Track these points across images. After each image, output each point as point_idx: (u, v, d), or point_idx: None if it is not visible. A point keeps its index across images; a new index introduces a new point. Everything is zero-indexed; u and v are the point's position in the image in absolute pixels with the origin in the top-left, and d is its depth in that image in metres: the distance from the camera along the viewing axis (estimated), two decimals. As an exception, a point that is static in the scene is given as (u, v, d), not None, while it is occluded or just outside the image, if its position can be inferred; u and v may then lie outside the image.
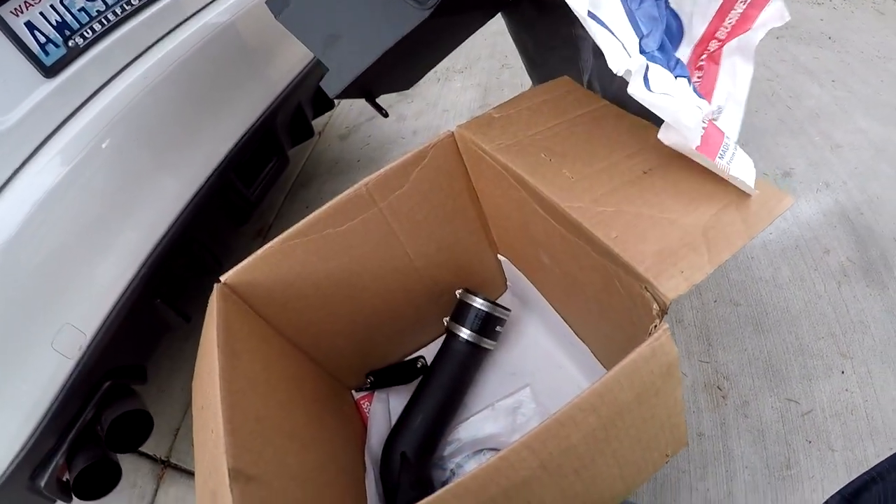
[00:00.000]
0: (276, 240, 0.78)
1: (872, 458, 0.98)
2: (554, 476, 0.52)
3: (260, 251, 0.78)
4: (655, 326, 0.53)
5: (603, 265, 0.62)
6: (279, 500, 0.60)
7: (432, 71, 1.07)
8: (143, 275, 1.07)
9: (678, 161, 0.64)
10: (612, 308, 0.66)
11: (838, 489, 0.58)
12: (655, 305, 0.54)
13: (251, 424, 0.62)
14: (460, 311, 0.93)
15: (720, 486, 1.00)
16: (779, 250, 1.34)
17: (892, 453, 0.60)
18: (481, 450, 0.91)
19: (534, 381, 0.96)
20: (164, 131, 1.17)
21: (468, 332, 0.90)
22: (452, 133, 0.84)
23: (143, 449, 1.33)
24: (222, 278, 0.76)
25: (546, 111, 0.82)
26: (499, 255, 1.00)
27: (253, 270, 0.77)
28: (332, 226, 0.80)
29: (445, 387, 0.91)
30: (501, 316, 0.92)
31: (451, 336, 0.93)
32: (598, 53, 0.96)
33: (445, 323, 0.94)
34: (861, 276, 1.24)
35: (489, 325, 0.91)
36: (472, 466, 0.87)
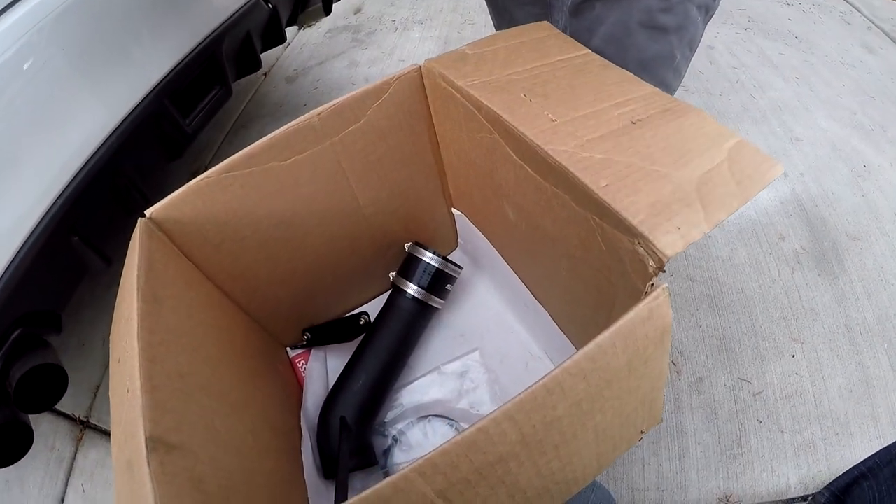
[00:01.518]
0: (211, 170, 0.68)
1: (819, 441, 1.01)
2: (533, 452, 0.45)
3: (193, 182, 0.67)
4: (652, 285, 0.47)
5: (584, 217, 0.55)
6: (206, 471, 0.51)
7: (390, 19, 0.99)
8: (58, 208, 0.94)
9: (668, 115, 0.58)
10: (587, 266, 0.59)
11: (826, 484, 0.53)
12: (651, 262, 0.47)
13: (174, 382, 0.53)
14: (408, 266, 0.85)
15: (672, 462, 1.00)
16: (736, 231, 1.34)
17: (882, 448, 0.57)
18: (426, 416, 0.84)
19: (483, 345, 0.90)
20: (92, 46, 1.02)
21: (416, 288, 0.83)
22: (419, 67, 0.74)
23: (61, 408, 1.21)
24: (147, 212, 0.65)
25: (525, 52, 0.74)
26: (453, 209, 0.93)
27: (183, 205, 0.67)
28: (276, 158, 0.70)
29: (389, 347, 0.83)
30: (452, 273, 0.85)
31: (397, 292, 0.85)
32: (574, 12, 0.91)
33: (391, 278, 0.86)
34: (814, 265, 1.27)
35: (439, 283, 0.84)
36: (415, 433, 0.82)
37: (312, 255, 0.82)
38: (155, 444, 0.45)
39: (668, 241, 0.46)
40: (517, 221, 0.71)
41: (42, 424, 1.10)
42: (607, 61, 0.71)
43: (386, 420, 0.85)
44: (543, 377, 0.41)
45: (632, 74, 0.66)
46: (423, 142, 0.80)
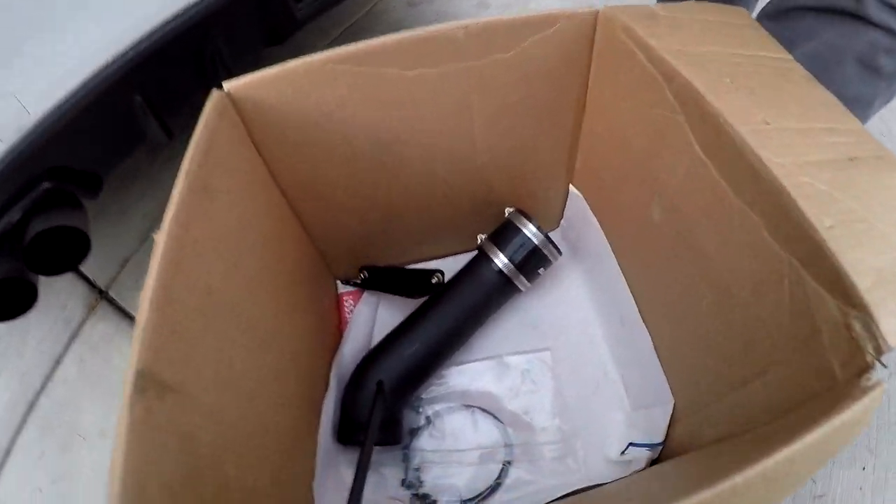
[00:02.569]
0: (317, 55, 0.57)
1: None
2: None
3: (290, 63, 0.57)
4: (868, 379, 0.36)
5: (777, 257, 0.44)
6: (202, 425, 0.42)
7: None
8: (128, 59, 0.82)
9: (882, 164, 0.47)
10: (748, 314, 0.49)
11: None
12: (870, 347, 0.36)
13: (197, 298, 0.44)
14: (504, 234, 0.75)
15: None
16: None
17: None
18: (469, 406, 0.76)
19: (555, 347, 0.80)
20: None
21: (505, 261, 0.73)
22: (596, 11, 0.63)
23: (84, 270, 1.13)
24: (226, 85, 0.55)
25: (723, 33, 0.62)
26: (571, 186, 0.82)
27: (271, 87, 0.57)
28: (399, 64, 0.60)
29: (455, 317, 0.74)
30: (550, 256, 0.75)
31: (483, 259, 0.75)
32: (775, 15, 0.81)
33: (480, 241, 0.77)
34: None
35: (532, 262, 0.74)
36: (452, 421, 0.75)
37: (402, 190, 0.72)
38: (146, 382, 0.36)
39: (891, 328, 0.35)
40: (662, 225, 0.60)
41: (59, 282, 1.03)
42: (812, 76, 0.59)
43: (423, 395, 0.76)
44: (736, 475, 0.31)
45: (837, 100, 0.54)
46: (568, 99, 0.70)
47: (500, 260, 0.73)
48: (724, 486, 0.31)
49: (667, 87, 0.54)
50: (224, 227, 0.50)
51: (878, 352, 0.36)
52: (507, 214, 0.76)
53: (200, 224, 0.45)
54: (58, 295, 1.13)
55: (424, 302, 0.75)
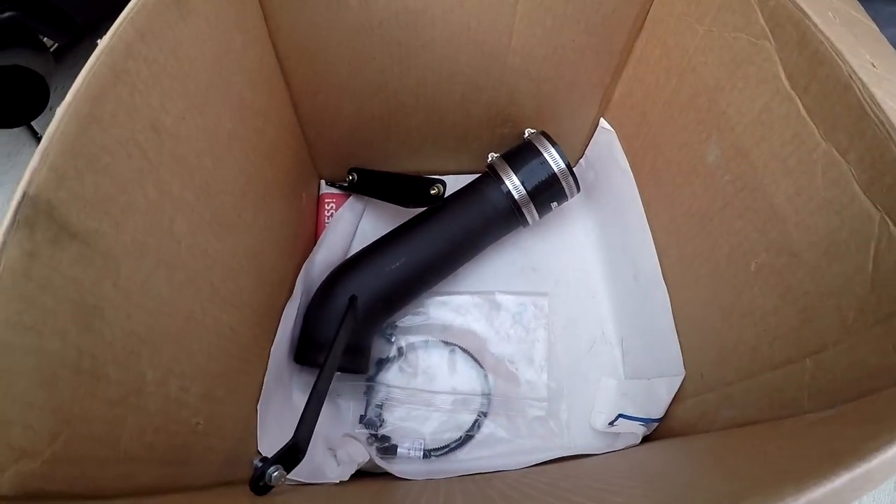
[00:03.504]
0: None
1: None
2: None
3: None
4: None
5: (865, 213, 0.38)
6: (115, 299, 0.33)
7: None
8: None
9: None
10: (812, 279, 0.43)
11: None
12: None
13: (137, 128, 0.35)
14: (521, 155, 0.68)
15: None
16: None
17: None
18: (448, 343, 0.69)
19: (554, 295, 0.74)
20: None
21: (518, 183, 0.66)
22: None
23: (35, 126, 1.03)
24: None
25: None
26: (602, 119, 0.74)
27: None
28: None
29: (449, 238, 0.67)
30: (567, 190, 0.68)
31: (492, 178, 0.68)
32: None
33: (490, 159, 0.70)
34: None
35: (547, 192, 0.68)
36: (427, 356, 0.69)
37: (414, 80, 0.65)
38: (37, 214, 0.27)
39: None
40: (717, 169, 0.53)
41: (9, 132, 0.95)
42: None
43: (398, 324, 0.70)
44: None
45: None
46: (625, 14, 0.62)
47: (512, 182, 0.66)
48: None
49: (758, 7, 0.47)
50: (194, 62, 0.42)
51: None
52: (527, 135, 0.69)
53: (162, 42, 0.37)
54: (4, 143, 1.06)
55: (416, 215, 0.69)
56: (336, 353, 0.55)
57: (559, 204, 0.70)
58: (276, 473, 0.44)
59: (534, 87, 0.68)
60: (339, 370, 0.59)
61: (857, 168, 0.39)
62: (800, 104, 0.43)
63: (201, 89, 0.43)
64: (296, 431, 0.48)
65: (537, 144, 0.67)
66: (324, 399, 0.52)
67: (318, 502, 0.52)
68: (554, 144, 0.67)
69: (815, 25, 0.42)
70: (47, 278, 0.27)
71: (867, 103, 0.37)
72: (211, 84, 0.44)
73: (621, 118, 0.72)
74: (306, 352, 0.62)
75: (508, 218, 0.68)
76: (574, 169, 0.80)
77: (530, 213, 0.68)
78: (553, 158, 0.66)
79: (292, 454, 0.46)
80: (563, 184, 0.67)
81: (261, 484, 0.44)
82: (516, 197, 0.66)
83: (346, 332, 0.58)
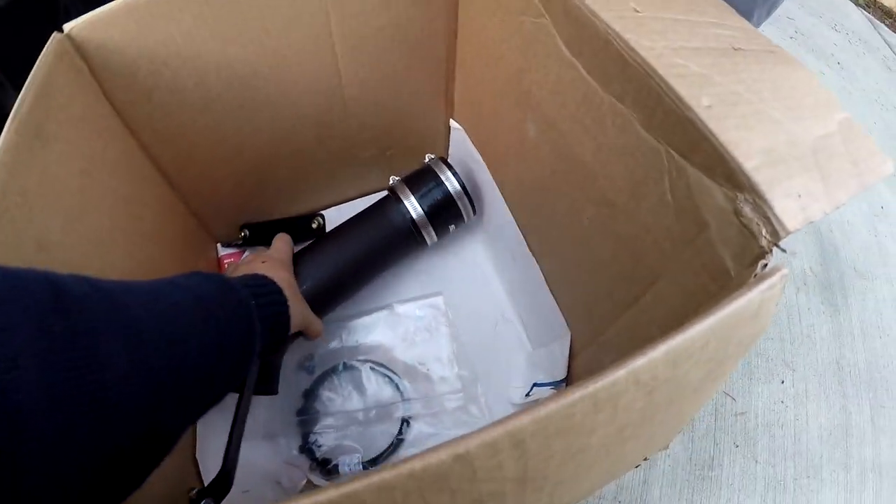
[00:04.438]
0: (159, -12, 0.48)
1: (790, 480, 0.90)
2: (526, 491, 0.27)
3: (132, -3, 0.47)
4: (765, 266, 0.30)
5: (654, 149, 0.37)
6: None
7: None
8: None
9: (772, 58, 0.41)
10: (629, 219, 0.42)
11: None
12: (765, 231, 0.30)
13: (24, 251, 0.37)
14: (421, 180, 0.66)
15: (636, 473, 0.86)
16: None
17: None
18: (362, 361, 0.67)
19: (449, 292, 0.73)
20: None
21: (419, 209, 0.65)
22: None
23: None
24: (66, 27, 0.46)
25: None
26: (451, 121, 0.73)
27: (113, 25, 0.47)
28: (248, -9, 0.51)
29: (353, 259, 0.65)
30: (464, 213, 0.67)
31: (393, 201, 0.66)
32: None
33: (391, 182, 0.68)
34: (818, 291, 1.14)
35: (445, 215, 0.66)
36: (344, 378, 0.67)
37: (268, 133, 0.63)
38: None
39: (786, 208, 0.29)
40: (538, 143, 0.53)
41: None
42: None
43: (315, 354, 0.68)
44: (594, 380, 0.23)
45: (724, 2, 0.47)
46: (438, 26, 0.61)
47: (413, 207, 0.64)
48: (576, 395, 0.23)
49: (530, -12, 0.46)
50: (62, 179, 0.42)
51: (775, 236, 0.29)
52: (427, 161, 0.68)
53: (30, 172, 0.38)
54: None
55: (311, 245, 0.66)
56: (251, 378, 0.52)
57: (457, 227, 0.68)
58: None
59: (377, 111, 0.67)
60: (261, 394, 0.58)
61: (634, 111, 0.38)
62: (580, 68, 0.43)
63: (75, 199, 0.43)
64: (223, 462, 0.46)
65: (438, 171, 0.65)
66: (243, 426, 0.50)
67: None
68: (452, 169, 0.65)
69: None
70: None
71: (624, 51, 0.37)
72: (82, 191, 0.44)
73: (464, 115, 0.71)
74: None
75: (410, 241, 0.67)
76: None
77: (430, 235, 0.66)
78: (452, 185, 0.65)
79: (222, 484, 0.44)
80: (459, 204, 0.65)
81: None
82: (418, 222, 0.65)
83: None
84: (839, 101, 0.38)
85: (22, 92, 0.39)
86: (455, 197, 0.64)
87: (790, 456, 0.91)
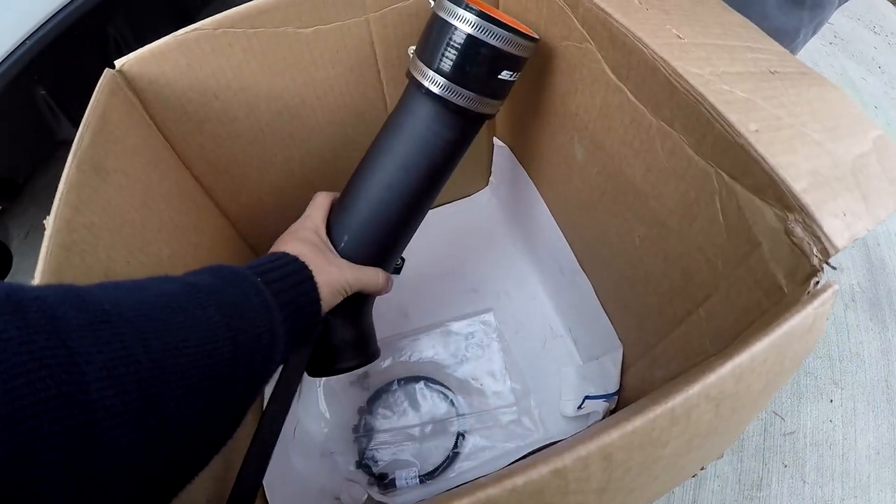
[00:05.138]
0: (205, 20, 0.50)
1: (838, 500, 0.88)
2: (603, 500, 0.29)
3: (180, 33, 0.49)
4: (817, 283, 0.31)
5: (704, 172, 0.39)
6: None
7: None
8: (26, 49, 0.73)
9: (806, 79, 0.42)
10: (680, 239, 0.44)
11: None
12: (815, 251, 0.31)
13: (95, 270, 0.38)
14: (429, 36, 0.48)
15: (686, 492, 0.86)
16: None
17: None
18: (417, 378, 0.69)
19: (498, 308, 0.74)
20: None
21: (433, 74, 0.47)
22: (497, -51, 0.57)
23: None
24: (118, 63, 0.48)
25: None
26: (494, 138, 0.75)
27: (164, 61, 0.50)
28: (293, 22, 0.53)
29: (391, 186, 0.50)
30: (517, 49, 0.47)
31: (413, 86, 0.50)
32: None
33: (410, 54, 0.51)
34: (867, 307, 1.12)
35: (485, 65, 0.46)
36: (400, 396, 0.69)
37: (317, 161, 0.65)
38: None
39: (834, 228, 0.30)
40: (586, 164, 0.54)
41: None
42: (727, 6, 0.51)
43: (370, 371, 0.70)
44: (670, 397, 0.25)
45: (755, 26, 0.48)
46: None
47: (428, 76, 0.47)
48: (658, 411, 0.25)
49: (573, 15, 0.48)
50: (123, 211, 0.43)
51: (825, 254, 0.31)
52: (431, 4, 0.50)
53: (94, 206, 0.39)
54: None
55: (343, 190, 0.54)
56: (284, 389, 0.44)
57: (512, 73, 0.48)
58: None
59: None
60: (354, 369, 0.51)
61: (684, 134, 0.40)
62: (627, 92, 0.44)
63: (136, 230, 0.44)
64: (238, 478, 0.41)
65: (439, 13, 0.47)
66: (271, 444, 0.43)
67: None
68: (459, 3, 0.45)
69: (617, 21, 0.43)
70: None
71: (672, 77, 0.38)
72: (143, 223, 0.46)
73: (508, 133, 0.72)
74: (314, 364, 0.50)
75: (447, 121, 0.49)
76: (487, 189, 0.81)
77: (489, 105, 0.49)
78: (462, 19, 0.45)
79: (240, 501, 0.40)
80: (493, 43, 0.45)
81: None
82: (437, 92, 0.47)
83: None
84: (871, 118, 0.39)
85: (80, 129, 0.41)
86: (472, 32, 0.44)
87: (838, 476, 0.90)
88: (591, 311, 0.62)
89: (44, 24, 0.74)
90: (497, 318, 0.72)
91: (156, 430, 0.23)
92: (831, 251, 0.30)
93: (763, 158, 0.33)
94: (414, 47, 0.50)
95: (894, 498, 0.90)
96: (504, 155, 0.73)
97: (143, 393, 0.23)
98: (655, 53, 0.39)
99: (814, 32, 0.77)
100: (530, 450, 0.61)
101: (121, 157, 0.44)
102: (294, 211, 0.69)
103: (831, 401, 0.97)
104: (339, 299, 0.45)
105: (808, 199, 0.31)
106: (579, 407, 0.62)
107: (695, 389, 0.25)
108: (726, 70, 0.39)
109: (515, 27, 0.46)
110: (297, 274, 0.41)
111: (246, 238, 0.70)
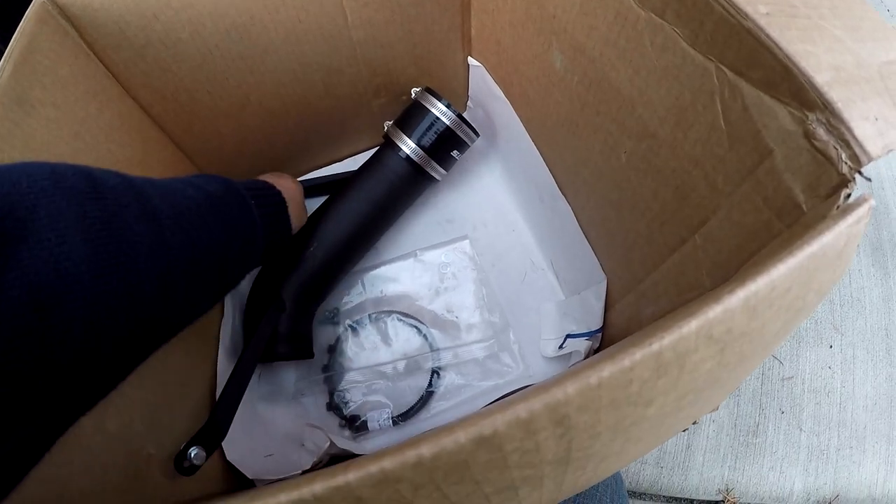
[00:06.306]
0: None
1: (833, 450, 0.86)
2: (567, 470, 0.23)
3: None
4: (848, 197, 0.25)
5: (702, 68, 0.32)
6: None
7: None
8: None
9: None
10: (673, 151, 0.37)
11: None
12: (844, 156, 0.24)
13: None
14: (410, 116, 0.61)
15: (680, 438, 0.84)
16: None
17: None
18: (388, 311, 0.64)
19: (475, 238, 0.68)
20: None
21: (413, 146, 0.60)
22: None
23: None
24: None
25: None
26: (469, 58, 0.68)
27: None
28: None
29: (361, 214, 0.61)
30: (465, 138, 0.62)
31: (389, 146, 0.62)
32: None
33: (386, 128, 0.64)
34: (869, 252, 1.06)
35: (446, 146, 0.61)
36: (370, 331, 0.63)
37: (272, 84, 0.58)
38: None
39: (867, 133, 0.24)
40: (566, 73, 0.47)
41: None
42: None
43: (340, 308, 0.64)
44: (657, 337, 0.19)
45: None
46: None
47: (408, 146, 0.60)
48: (637, 356, 0.19)
49: None
50: (51, 145, 0.39)
51: (856, 162, 0.24)
52: (413, 95, 0.63)
53: (13, 141, 0.35)
54: None
55: (325, 200, 0.63)
56: (258, 340, 0.53)
57: (461, 153, 0.64)
58: (195, 453, 0.44)
59: (388, 52, 0.61)
60: (284, 358, 0.57)
61: (677, 25, 0.33)
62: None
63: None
64: (211, 412, 0.47)
65: (424, 102, 0.61)
66: (245, 382, 0.51)
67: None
68: (440, 98, 0.60)
69: None
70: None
71: None
72: (75, 156, 0.41)
73: (483, 51, 0.65)
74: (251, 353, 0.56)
75: (415, 180, 0.62)
76: (465, 113, 0.74)
77: (434, 169, 0.62)
78: (441, 112, 0.60)
79: (212, 433, 0.46)
80: (459, 134, 0.61)
81: (185, 465, 0.43)
82: (416, 159, 0.60)
83: (272, 321, 0.54)
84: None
85: (1, 62, 0.36)
86: (449, 124, 0.60)
87: (835, 424, 0.87)
88: (574, 242, 0.56)
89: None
90: (474, 248, 0.66)
91: (173, 297, 0.31)
92: (863, 159, 0.23)
93: (776, 44, 0.26)
94: (390, 122, 0.63)
95: (889, 449, 0.87)
96: (479, 74, 0.66)
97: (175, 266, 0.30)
98: (646, -76, 0.32)
99: None
100: (510, 388, 0.57)
101: (50, 89, 0.40)
102: (252, 141, 0.63)
103: (830, 346, 0.93)
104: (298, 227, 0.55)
105: (834, 95, 0.24)
106: (560, 346, 0.57)
107: (691, 327, 0.18)
108: (733, -50, 0.32)
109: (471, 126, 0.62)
110: (278, 204, 0.50)
111: (202, 169, 0.64)
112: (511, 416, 0.17)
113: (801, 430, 0.85)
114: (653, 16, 0.34)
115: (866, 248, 1.05)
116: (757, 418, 0.85)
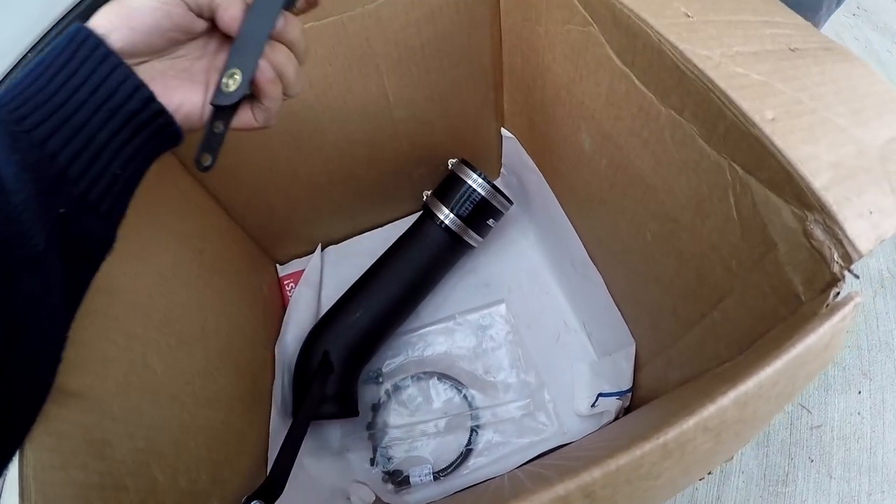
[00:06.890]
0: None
1: (864, 496, 0.84)
2: None
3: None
4: (837, 295, 0.27)
5: (716, 165, 0.34)
6: (116, 431, 0.37)
7: None
8: None
9: (830, 55, 0.37)
10: (693, 237, 0.39)
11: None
12: (836, 255, 0.27)
13: (96, 300, 0.36)
14: (448, 187, 0.65)
15: (710, 488, 0.83)
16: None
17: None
18: (428, 373, 0.66)
19: (510, 301, 0.71)
20: None
21: (452, 216, 0.64)
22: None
23: None
24: None
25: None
26: (503, 129, 0.71)
27: None
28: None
29: (401, 281, 0.65)
30: (500, 207, 0.65)
31: (428, 216, 0.66)
32: None
33: (424, 198, 0.68)
34: None
35: (481, 215, 0.65)
36: (412, 391, 0.66)
37: (320, 159, 0.63)
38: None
39: (858, 229, 0.27)
40: (594, 155, 0.50)
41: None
42: None
43: (383, 369, 0.67)
44: (662, 431, 0.22)
45: None
46: (481, 36, 0.59)
47: (446, 215, 0.64)
48: (646, 448, 0.22)
49: (575, -2, 0.44)
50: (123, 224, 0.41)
51: (847, 260, 0.27)
52: (450, 166, 0.66)
53: None
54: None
55: (370, 267, 0.66)
56: (311, 401, 0.55)
57: (496, 221, 0.67)
58: None
59: (427, 128, 0.65)
60: (332, 417, 0.60)
61: (695, 124, 0.36)
62: (634, 78, 0.40)
63: (135, 242, 0.43)
64: (271, 469, 0.49)
65: (460, 174, 0.64)
66: (300, 441, 0.52)
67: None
68: (475, 169, 0.64)
69: (621, 3, 0.38)
70: (62, 430, 0.31)
71: (680, 62, 0.34)
72: (146, 235, 0.45)
73: (517, 125, 0.68)
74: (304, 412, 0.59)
75: (453, 248, 0.66)
76: (498, 180, 0.78)
77: (471, 237, 0.65)
78: (477, 183, 0.63)
79: (270, 490, 0.47)
80: (493, 203, 0.64)
81: None
82: (454, 228, 0.64)
83: (321, 382, 0.57)
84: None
85: None
86: (484, 195, 0.63)
87: (865, 470, 0.86)
88: (604, 307, 0.58)
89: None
90: (510, 311, 0.69)
91: None
92: (854, 256, 0.26)
93: (779, 151, 0.28)
94: (429, 192, 0.67)
95: (921, 492, 0.85)
96: (512, 145, 0.70)
97: None
98: (660, 35, 0.35)
99: (838, 4, 0.72)
100: (545, 447, 0.59)
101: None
102: (300, 210, 0.67)
103: (859, 392, 0.91)
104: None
105: (830, 198, 0.27)
106: (593, 405, 0.59)
107: (689, 424, 0.22)
108: (740, 50, 0.35)
109: (505, 195, 0.65)
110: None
111: (253, 237, 0.68)
112: (552, 494, 0.21)
113: (830, 477, 0.84)
114: (673, 113, 0.37)
115: (893, 291, 1.04)
116: (786, 468, 0.84)
